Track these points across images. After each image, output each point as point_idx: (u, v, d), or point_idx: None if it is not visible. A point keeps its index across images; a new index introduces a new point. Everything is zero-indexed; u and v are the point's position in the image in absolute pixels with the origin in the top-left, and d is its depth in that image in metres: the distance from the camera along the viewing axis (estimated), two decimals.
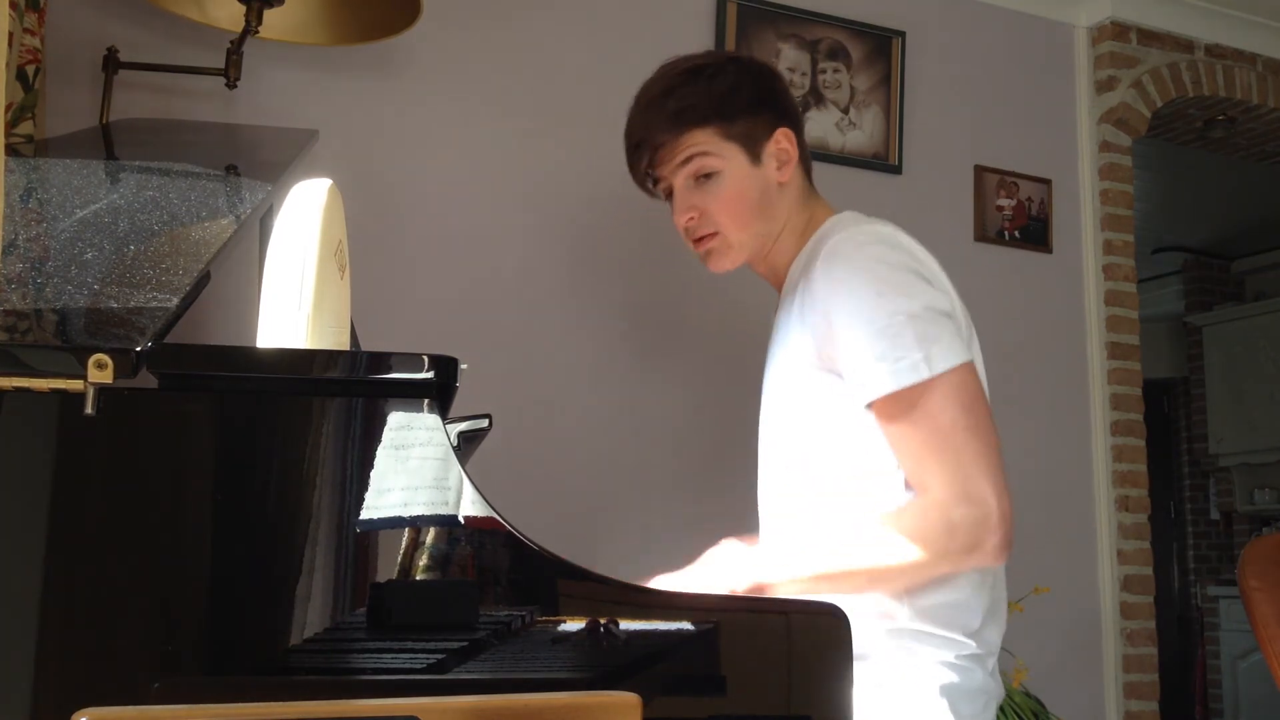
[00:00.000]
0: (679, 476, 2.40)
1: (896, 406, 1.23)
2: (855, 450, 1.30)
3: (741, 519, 1.57)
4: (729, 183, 1.39)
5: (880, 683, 1.25)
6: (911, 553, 1.20)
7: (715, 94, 1.39)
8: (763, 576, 1.18)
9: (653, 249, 2.46)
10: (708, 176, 1.40)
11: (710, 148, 1.39)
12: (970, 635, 1.28)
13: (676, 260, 2.47)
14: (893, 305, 1.24)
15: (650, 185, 1.47)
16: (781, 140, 1.42)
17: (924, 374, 1.22)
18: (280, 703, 0.73)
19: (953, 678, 1.25)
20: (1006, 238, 2.86)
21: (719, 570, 1.21)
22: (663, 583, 1.20)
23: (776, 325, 1.46)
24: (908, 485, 1.28)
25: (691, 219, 1.41)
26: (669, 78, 1.42)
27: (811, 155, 1.51)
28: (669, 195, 1.45)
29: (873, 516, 1.25)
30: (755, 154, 1.41)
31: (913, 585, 1.26)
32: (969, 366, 1.25)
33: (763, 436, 1.47)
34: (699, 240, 1.43)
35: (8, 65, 1.62)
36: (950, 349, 1.24)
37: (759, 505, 1.47)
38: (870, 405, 1.26)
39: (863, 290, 1.26)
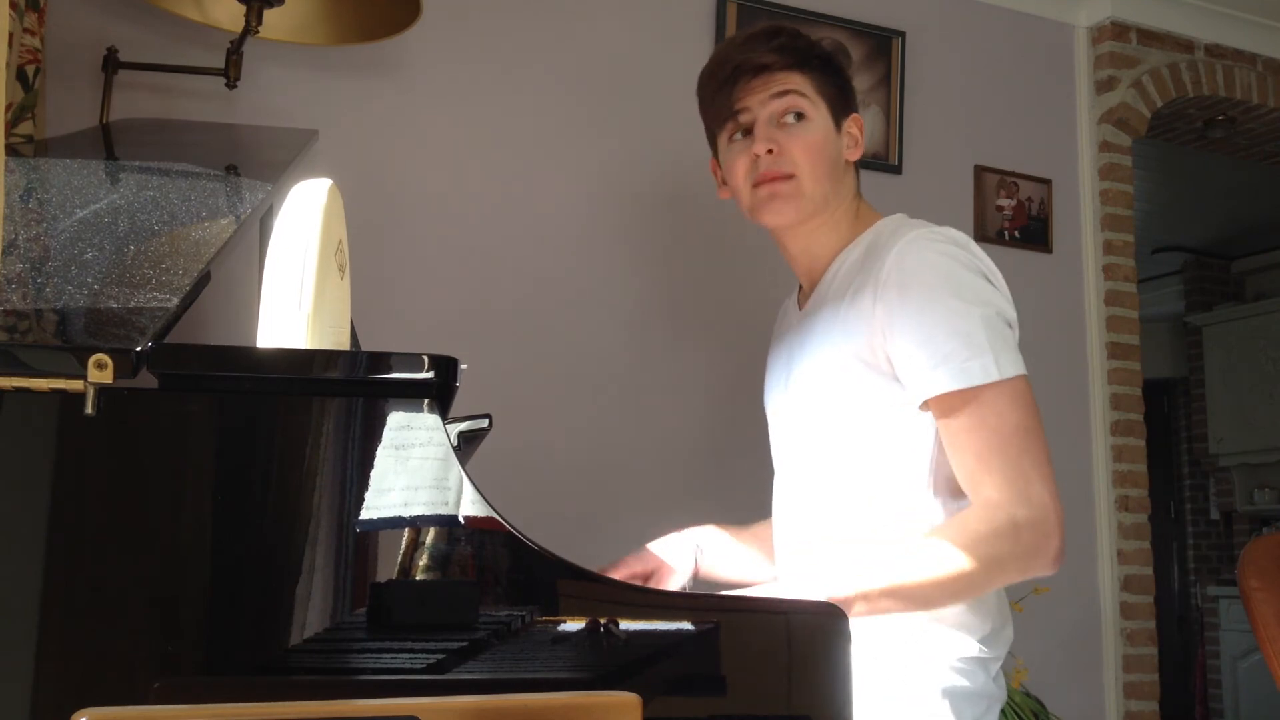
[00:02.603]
0: (681, 476, 2.39)
1: (961, 404, 1.23)
2: (890, 453, 1.30)
3: (752, 517, 1.58)
4: (816, 130, 1.40)
5: (883, 685, 1.25)
6: (979, 556, 1.17)
7: (820, 50, 1.43)
8: (832, 593, 1.14)
9: (656, 248, 2.46)
10: (797, 122, 1.39)
11: (807, 92, 1.40)
12: (978, 640, 1.27)
13: (680, 259, 2.48)
14: (968, 307, 1.25)
15: (730, 115, 1.41)
16: (854, 125, 1.46)
17: (993, 376, 1.22)
18: (280, 703, 0.73)
19: (956, 681, 1.25)
20: (1006, 238, 2.86)
21: (786, 590, 1.19)
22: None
23: (805, 320, 1.43)
24: (935, 493, 1.28)
25: (770, 151, 1.38)
26: (774, 27, 1.44)
27: None
28: (744, 132, 1.41)
29: (927, 526, 1.24)
30: (838, 121, 1.43)
31: (981, 591, 1.23)
32: (1028, 380, 1.26)
33: (783, 434, 1.46)
34: (769, 181, 1.38)
35: (8, 65, 1.62)
36: (1015, 358, 1.26)
37: (775, 504, 1.47)
38: (930, 402, 1.25)
39: (939, 289, 1.26)
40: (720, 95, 1.42)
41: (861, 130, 1.47)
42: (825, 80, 1.42)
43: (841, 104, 1.44)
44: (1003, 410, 1.22)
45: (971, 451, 1.23)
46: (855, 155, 1.45)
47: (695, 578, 1.51)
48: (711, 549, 1.52)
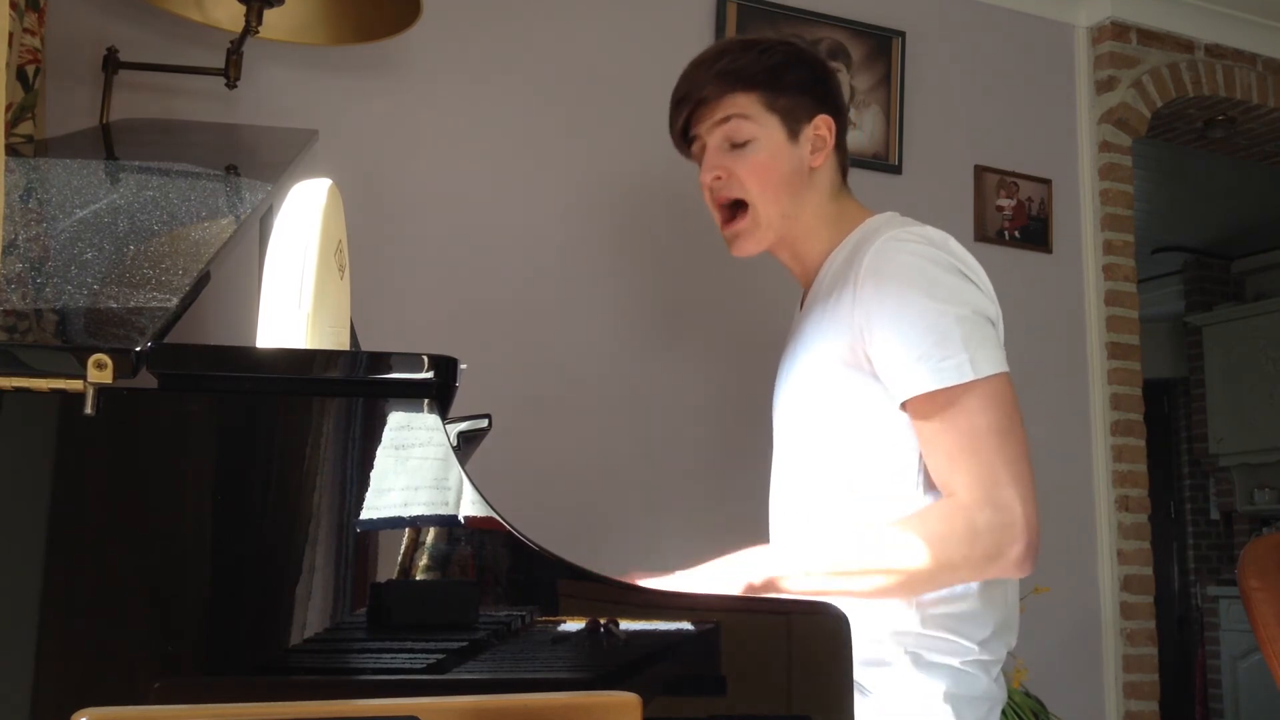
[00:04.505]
0: (682, 477, 2.39)
1: (934, 405, 1.23)
2: (877, 453, 1.30)
3: (749, 520, 1.58)
4: (762, 151, 1.40)
5: (885, 687, 1.25)
6: (932, 555, 1.18)
7: (765, 64, 1.41)
8: (777, 570, 1.17)
9: (656, 247, 2.46)
10: (742, 145, 1.40)
11: (750, 114, 1.40)
12: (977, 643, 1.27)
13: (681, 258, 2.48)
14: (942, 306, 1.24)
15: (685, 144, 1.48)
16: (820, 127, 1.43)
17: (968, 375, 1.21)
18: (280, 703, 0.73)
19: (957, 683, 1.25)
20: (1006, 238, 2.86)
21: (734, 565, 1.20)
22: (678, 578, 1.20)
23: (801, 321, 1.45)
24: (926, 490, 1.28)
25: (718, 178, 1.41)
26: (724, 44, 1.47)
27: None
28: (702, 155, 1.45)
29: (895, 517, 1.24)
30: (793, 132, 1.42)
31: (929, 589, 1.23)
32: (1008, 377, 1.25)
33: (780, 434, 1.46)
34: (728, 221, 1.43)
35: (8, 65, 1.62)
36: (993, 356, 1.24)
37: (770, 505, 1.47)
38: (906, 404, 1.25)
39: (912, 289, 1.26)
40: (674, 126, 1.47)
41: (831, 130, 1.44)
42: (774, 94, 1.41)
43: (801, 112, 1.42)
44: (975, 411, 1.22)
45: (943, 452, 1.23)
46: (820, 160, 1.43)
47: None
48: None
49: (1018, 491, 1.19)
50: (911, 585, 1.22)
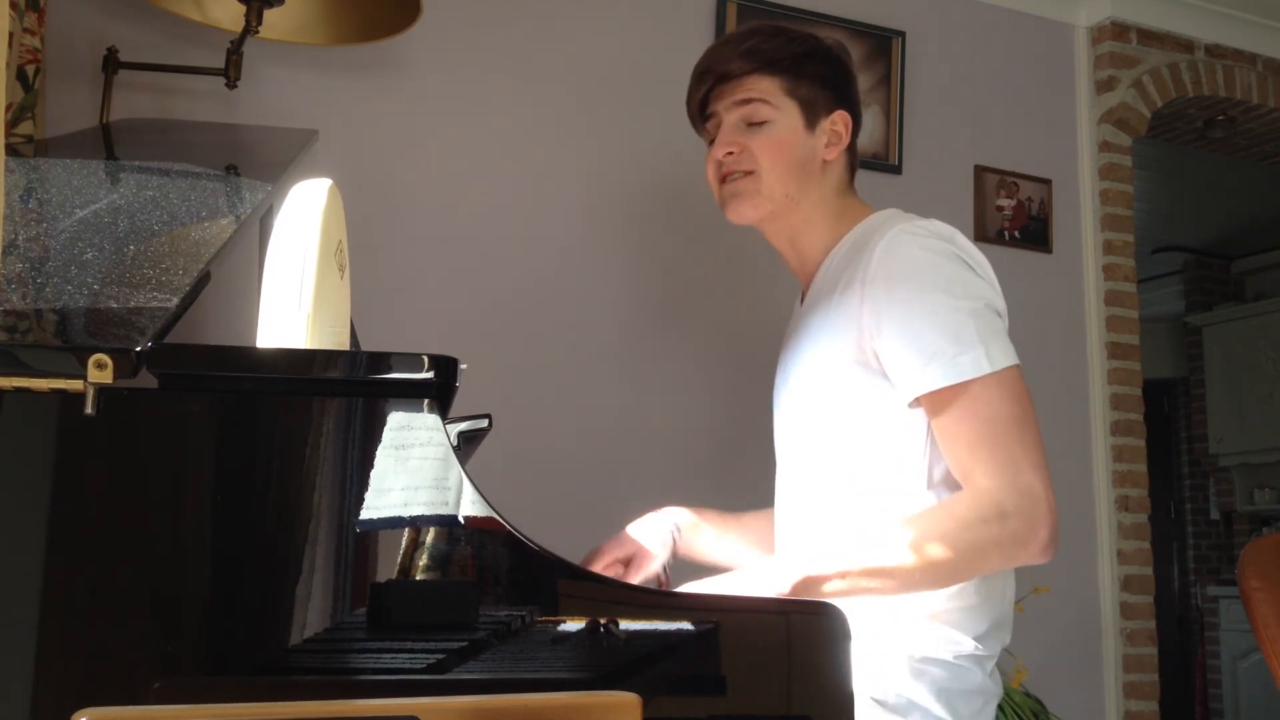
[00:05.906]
0: (682, 475, 2.39)
1: (952, 398, 1.23)
2: (883, 449, 1.30)
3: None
4: (778, 131, 1.41)
5: (881, 683, 1.25)
6: (963, 543, 1.17)
7: (791, 51, 1.42)
8: (811, 570, 1.16)
9: (656, 248, 2.46)
10: (759, 125, 1.41)
11: (770, 98, 1.41)
12: (973, 638, 1.27)
13: (680, 259, 2.48)
14: (955, 301, 1.25)
15: (702, 120, 1.47)
16: (838, 122, 1.44)
17: (984, 369, 1.22)
18: (280, 703, 0.73)
19: (951, 678, 1.25)
20: (1006, 238, 2.86)
21: (765, 569, 1.19)
22: (708, 585, 1.18)
23: (802, 318, 1.44)
24: (930, 486, 1.28)
25: (730, 153, 1.41)
26: (755, 26, 1.47)
27: None
28: (716, 132, 1.45)
29: (914, 510, 1.24)
30: (810, 121, 1.43)
31: (963, 578, 1.23)
32: (1019, 369, 1.25)
33: (783, 432, 1.46)
34: (730, 179, 1.42)
35: (8, 65, 1.62)
36: (1006, 348, 1.25)
37: (776, 503, 1.47)
38: (921, 399, 1.25)
39: (924, 285, 1.26)
40: (693, 99, 1.47)
41: (848, 127, 1.45)
42: (797, 81, 1.41)
43: (820, 103, 1.43)
44: (993, 400, 1.22)
45: (963, 442, 1.23)
46: (833, 154, 1.44)
47: (674, 557, 1.51)
48: (690, 529, 1.53)
49: (1039, 479, 1.20)
50: (946, 577, 1.21)
